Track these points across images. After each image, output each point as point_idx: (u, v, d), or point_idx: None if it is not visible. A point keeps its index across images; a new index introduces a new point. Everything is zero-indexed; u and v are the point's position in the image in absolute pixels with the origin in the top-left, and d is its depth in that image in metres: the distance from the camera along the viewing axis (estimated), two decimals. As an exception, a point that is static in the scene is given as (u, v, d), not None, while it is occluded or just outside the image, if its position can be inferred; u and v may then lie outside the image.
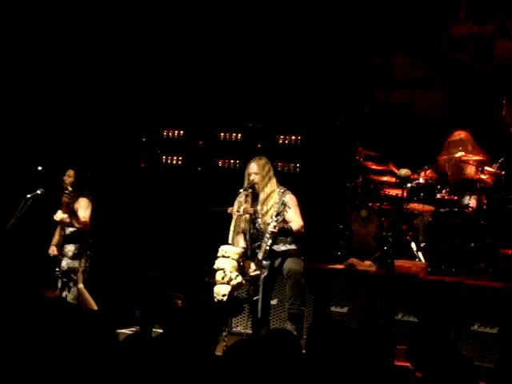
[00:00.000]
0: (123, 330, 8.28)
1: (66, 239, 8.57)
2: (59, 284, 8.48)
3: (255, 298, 7.60)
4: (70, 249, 8.54)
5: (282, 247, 7.71)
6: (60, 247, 8.54)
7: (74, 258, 8.52)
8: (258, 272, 7.56)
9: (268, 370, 4.20)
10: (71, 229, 8.58)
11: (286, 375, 4.20)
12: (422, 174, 9.18)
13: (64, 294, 8.43)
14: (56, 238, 8.71)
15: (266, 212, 7.66)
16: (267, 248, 7.48)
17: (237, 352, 4.38)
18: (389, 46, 10.77)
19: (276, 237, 7.52)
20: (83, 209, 8.58)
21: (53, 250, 8.67)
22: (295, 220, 7.72)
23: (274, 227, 7.41)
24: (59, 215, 8.52)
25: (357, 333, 4.98)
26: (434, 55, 10.54)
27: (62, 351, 4.19)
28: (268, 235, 7.46)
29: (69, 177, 8.69)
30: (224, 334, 8.08)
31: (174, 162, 11.09)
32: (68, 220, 8.52)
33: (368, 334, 4.80)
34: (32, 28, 10.74)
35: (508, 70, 10.09)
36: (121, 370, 4.19)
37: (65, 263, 8.51)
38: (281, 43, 10.94)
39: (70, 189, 8.55)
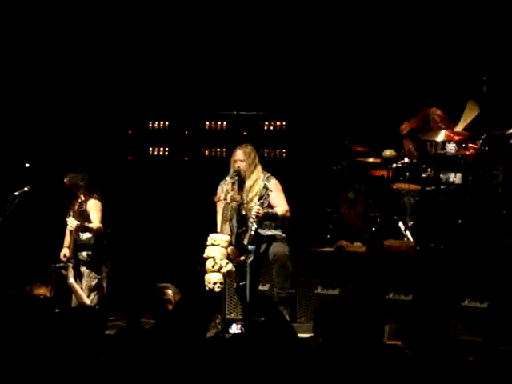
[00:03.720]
0: (117, 322, 8.33)
1: (80, 246, 8.37)
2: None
3: (242, 284, 7.69)
4: (84, 255, 8.38)
5: (267, 232, 7.79)
6: (72, 251, 8.29)
7: (89, 263, 8.36)
8: (243, 258, 7.63)
9: (261, 356, 4.25)
10: (87, 234, 8.42)
11: (278, 360, 4.25)
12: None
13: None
14: (68, 240, 8.44)
15: (251, 199, 7.74)
16: (252, 233, 7.56)
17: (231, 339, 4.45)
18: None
19: (261, 221, 7.61)
20: (94, 211, 8.41)
21: (65, 253, 8.40)
22: (280, 204, 7.81)
23: (258, 211, 7.50)
24: (73, 222, 8.24)
25: (346, 314, 5.06)
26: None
27: (51, 347, 4.23)
28: (252, 220, 7.56)
29: (69, 180, 8.43)
30: (217, 320, 8.15)
31: (161, 153, 11.12)
32: (81, 226, 8.30)
33: (358, 315, 4.87)
34: (13, 20, 10.71)
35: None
36: (113, 362, 4.24)
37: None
38: (263, 29, 10.94)
39: (82, 197, 8.30)
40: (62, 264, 8.33)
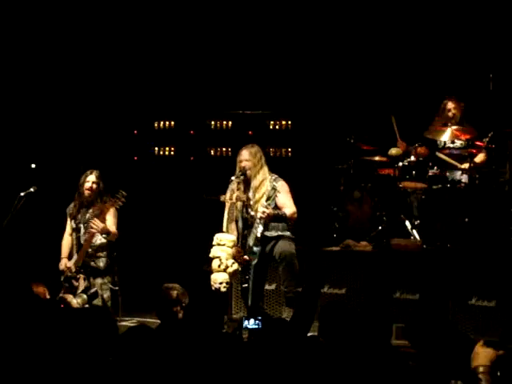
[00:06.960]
0: (123, 323, 8.32)
1: (94, 253, 8.15)
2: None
3: (244, 286, 7.66)
4: (99, 264, 8.17)
5: (274, 233, 7.76)
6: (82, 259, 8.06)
7: (105, 271, 8.15)
8: (247, 258, 7.61)
9: (263, 358, 4.23)
10: (102, 239, 8.20)
11: (283, 362, 4.23)
12: (413, 151, 9.17)
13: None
14: (66, 250, 8.28)
15: (258, 200, 7.71)
16: (258, 235, 7.53)
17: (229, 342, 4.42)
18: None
19: (268, 223, 7.58)
20: (112, 217, 8.19)
21: (65, 264, 8.20)
22: (288, 206, 7.77)
23: (264, 212, 7.47)
24: (99, 224, 7.99)
25: (354, 313, 5.02)
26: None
27: (61, 347, 4.22)
28: (258, 221, 7.52)
29: (95, 179, 8.20)
30: (224, 321, 8.13)
31: (167, 153, 11.13)
32: (105, 229, 8.08)
33: (364, 315, 4.84)
34: (17, 21, 10.71)
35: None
36: (122, 362, 4.23)
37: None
38: (269, 28, 10.92)
39: (123, 199, 8.09)
40: (72, 274, 8.10)
